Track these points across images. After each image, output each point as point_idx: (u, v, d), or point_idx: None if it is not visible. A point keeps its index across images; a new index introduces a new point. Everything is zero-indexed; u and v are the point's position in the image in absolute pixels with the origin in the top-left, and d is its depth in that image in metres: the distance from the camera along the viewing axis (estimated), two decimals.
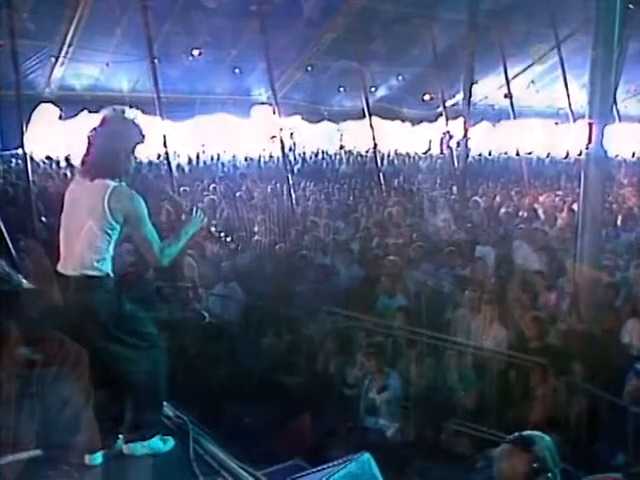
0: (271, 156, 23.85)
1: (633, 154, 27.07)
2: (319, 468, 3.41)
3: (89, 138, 3.74)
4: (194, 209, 4.04)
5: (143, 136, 3.84)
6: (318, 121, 22.71)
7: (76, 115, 16.72)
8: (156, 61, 12.68)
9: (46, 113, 16.82)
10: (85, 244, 3.62)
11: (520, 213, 13.92)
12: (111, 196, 3.58)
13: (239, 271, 10.01)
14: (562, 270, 8.89)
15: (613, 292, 7.96)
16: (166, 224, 8.68)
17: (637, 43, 14.72)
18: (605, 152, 7.53)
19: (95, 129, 3.75)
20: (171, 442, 3.90)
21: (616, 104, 8.07)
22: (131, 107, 4.13)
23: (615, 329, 7.20)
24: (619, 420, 5.84)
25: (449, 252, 9.82)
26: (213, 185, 16.52)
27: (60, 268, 3.72)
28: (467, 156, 17.30)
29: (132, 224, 3.67)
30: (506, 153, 25.89)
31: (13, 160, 17.85)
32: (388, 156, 25.31)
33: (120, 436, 3.83)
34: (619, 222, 12.48)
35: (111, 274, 3.71)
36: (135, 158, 3.83)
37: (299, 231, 11.65)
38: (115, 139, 3.71)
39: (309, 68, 19.78)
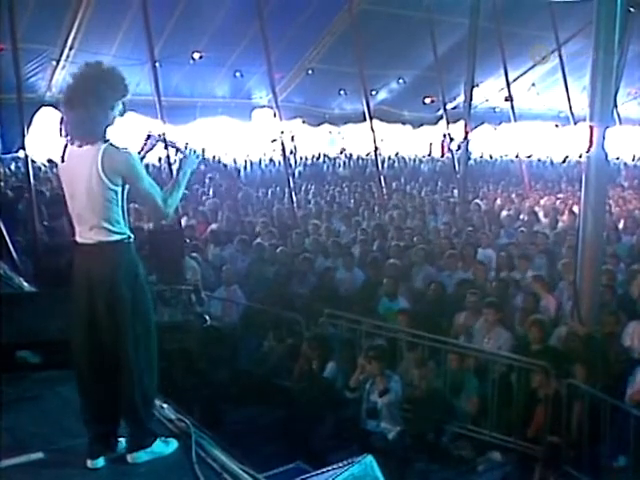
0: (272, 159, 23.88)
1: (634, 157, 27.09)
2: (321, 471, 3.41)
3: (65, 100, 3.58)
4: (189, 148, 3.92)
5: (125, 87, 3.66)
6: (319, 124, 22.73)
7: None
8: (157, 64, 12.66)
9: (47, 116, 16.83)
10: (94, 214, 3.53)
11: (521, 216, 13.93)
12: (103, 160, 3.47)
13: (240, 274, 10.02)
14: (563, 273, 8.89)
15: (612, 294, 7.98)
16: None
17: (638, 46, 14.69)
18: (606, 155, 7.53)
19: (69, 89, 3.58)
20: (174, 443, 3.87)
21: (617, 107, 8.06)
22: (132, 110, 4.05)
23: (616, 332, 7.21)
24: (621, 423, 5.84)
25: (450, 255, 9.84)
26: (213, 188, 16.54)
27: (78, 238, 3.63)
28: (468, 159, 17.31)
29: (130, 182, 3.56)
30: (507, 156, 25.88)
31: (14, 163, 17.86)
32: (389, 159, 25.33)
33: (121, 440, 3.82)
34: (620, 225, 12.48)
35: (131, 236, 3.64)
36: (120, 113, 3.65)
37: (300, 234, 11.65)
38: (91, 97, 3.50)
39: (310, 71, 19.80)
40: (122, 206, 3.60)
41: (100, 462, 3.69)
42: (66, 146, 3.66)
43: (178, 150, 3.99)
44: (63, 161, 3.72)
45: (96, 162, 3.48)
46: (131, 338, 3.59)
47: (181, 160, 3.89)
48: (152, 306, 3.80)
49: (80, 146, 3.55)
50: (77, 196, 3.59)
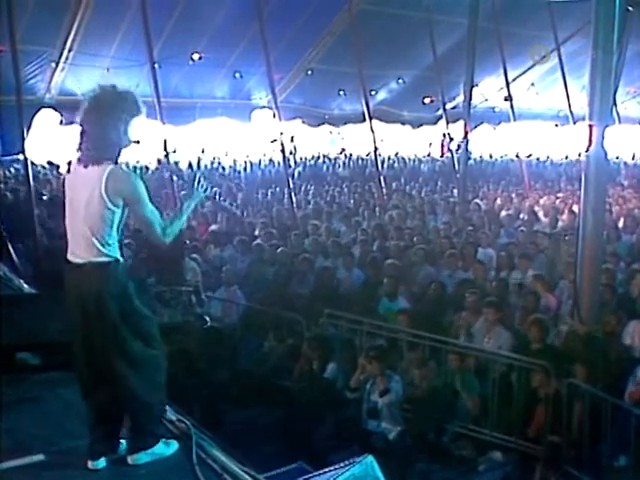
0: (271, 160, 23.89)
1: (633, 156, 27.10)
2: (322, 471, 3.41)
3: (80, 122, 3.61)
4: (195, 179, 3.95)
5: (138, 107, 3.66)
6: (318, 125, 22.73)
7: (76, 120, 16.71)
8: (156, 66, 12.68)
9: (47, 118, 16.84)
10: (89, 231, 3.55)
11: (521, 215, 13.93)
12: (107, 181, 3.48)
13: (240, 275, 10.02)
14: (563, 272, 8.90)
15: (612, 293, 7.97)
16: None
17: (637, 45, 14.71)
18: (605, 154, 7.53)
19: (84, 111, 3.61)
20: (175, 445, 3.88)
21: (616, 106, 8.06)
22: None
23: (616, 331, 7.21)
24: (621, 422, 5.84)
25: (450, 255, 9.84)
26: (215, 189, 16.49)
27: (70, 256, 3.66)
28: (467, 159, 17.31)
29: (131, 206, 3.59)
30: (506, 155, 25.90)
31: (14, 165, 17.87)
32: (389, 159, 25.33)
33: (122, 441, 3.82)
34: (620, 224, 12.48)
35: (120, 259, 3.65)
36: (134, 134, 3.66)
37: (300, 234, 11.66)
38: (104, 119, 3.55)
39: (309, 72, 19.81)
40: (118, 228, 3.63)
41: (101, 463, 3.70)
42: (73, 166, 3.68)
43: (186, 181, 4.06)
44: (69, 172, 3.73)
45: (100, 182, 3.50)
46: (125, 353, 3.62)
47: (188, 194, 3.97)
48: (149, 320, 3.82)
49: (86, 166, 3.56)
50: (75, 211, 3.61)
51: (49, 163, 20.49)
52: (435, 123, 23.36)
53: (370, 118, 16.92)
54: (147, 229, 3.70)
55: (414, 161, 26.79)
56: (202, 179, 3.98)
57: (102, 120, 3.55)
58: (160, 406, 3.87)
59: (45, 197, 13.21)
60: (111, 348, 3.61)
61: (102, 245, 3.56)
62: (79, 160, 3.61)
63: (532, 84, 23.65)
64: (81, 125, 3.62)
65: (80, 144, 3.60)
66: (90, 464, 3.70)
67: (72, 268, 3.64)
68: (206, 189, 3.99)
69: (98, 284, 3.56)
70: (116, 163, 3.58)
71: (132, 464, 3.71)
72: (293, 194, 14.58)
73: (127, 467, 3.70)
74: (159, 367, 3.79)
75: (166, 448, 3.82)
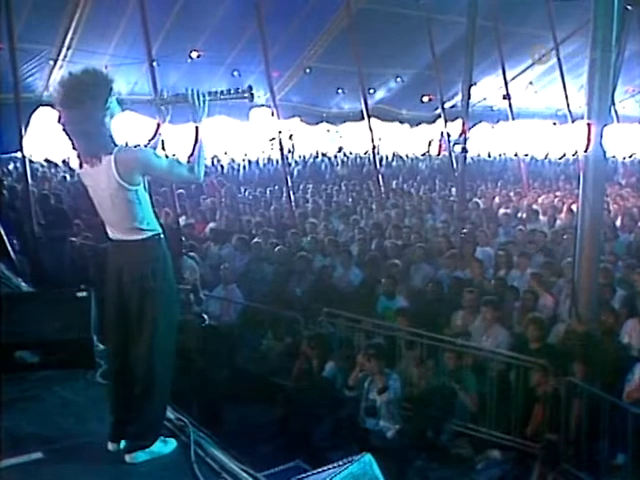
0: (270, 158, 23.86)
1: (631, 155, 27.10)
2: (320, 470, 3.41)
3: (61, 124, 3.56)
4: (189, 92, 3.84)
5: (107, 85, 3.51)
6: (317, 123, 22.73)
7: None
8: (155, 64, 12.65)
9: (45, 116, 16.81)
10: (121, 218, 3.59)
11: (519, 214, 13.93)
12: (117, 167, 3.46)
13: (238, 273, 10.02)
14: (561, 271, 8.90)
15: (610, 292, 7.98)
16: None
17: (635, 44, 14.69)
18: (604, 153, 7.53)
19: (58, 112, 3.54)
20: (173, 443, 3.87)
21: (614, 105, 8.05)
22: (130, 110, 4.02)
23: (614, 329, 7.21)
24: (619, 420, 5.85)
25: (451, 254, 9.83)
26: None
27: (111, 235, 3.69)
28: (466, 157, 17.28)
29: (152, 173, 3.64)
30: (505, 154, 25.89)
31: (12, 163, 17.85)
32: (387, 158, 25.33)
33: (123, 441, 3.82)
34: (618, 222, 12.49)
35: (160, 231, 3.68)
36: (116, 107, 3.58)
37: (298, 233, 11.65)
38: (78, 116, 3.47)
39: (307, 70, 19.80)
40: (146, 202, 3.64)
41: (121, 444, 3.76)
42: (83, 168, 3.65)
43: (178, 99, 3.90)
44: (81, 167, 3.69)
45: (111, 172, 3.48)
46: (156, 332, 3.64)
47: (192, 113, 3.86)
48: (178, 304, 3.84)
49: (92, 165, 3.55)
50: (102, 205, 3.64)
51: (47, 161, 20.48)
52: (433, 122, 23.38)
53: (368, 116, 16.89)
54: (177, 179, 3.85)
55: (412, 159, 26.79)
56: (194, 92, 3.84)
57: (77, 118, 3.48)
58: (166, 398, 3.86)
59: (43, 195, 13.15)
60: (146, 325, 3.62)
61: (140, 223, 3.59)
62: (83, 161, 3.60)
63: (531, 83, 23.64)
64: (62, 127, 3.56)
65: (72, 144, 3.59)
66: (110, 446, 3.76)
67: (115, 245, 3.68)
68: (205, 97, 3.88)
69: (142, 259, 3.61)
70: (115, 146, 3.54)
71: (130, 462, 3.71)
72: (291, 192, 14.56)
73: (125, 466, 3.69)
74: (168, 360, 3.79)
75: (164, 446, 3.82)
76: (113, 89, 3.55)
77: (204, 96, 3.86)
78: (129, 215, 3.57)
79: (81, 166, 3.67)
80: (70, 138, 3.57)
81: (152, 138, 4.05)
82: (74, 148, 3.60)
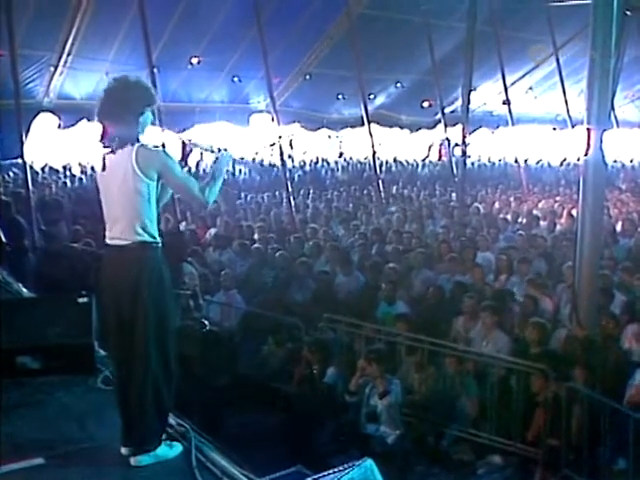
0: (270, 164, 23.87)
1: (631, 159, 27.14)
2: (321, 475, 3.40)
3: (97, 112, 3.74)
4: (218, 148, 4.04)
5: (153, 96, 3.83)
6: (317, 129, 22.71)
7: (75, 124, 16.71)
8: (155, 70, 12.68)
9: (45, 122, 16.84)
10: (127, 211, 3.66)
11: (519, 219, 13.94)
12: (137, 156, 3.61)
13: (239, 279, 10.01)
14: (562, 276, 8.90)
15: (609, 297, 7.97)
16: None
17: (635, 49, 14.72)
18: (603, 158, 7.54)
19: (100, 102, 3.75)
20: (179, 447, 3.88)
21: (614, 110, 8.05)
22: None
23: (615, 335, 7.21)
24: (620, 425, 5.84)
25: (451, 259, 9.83)
26: None
27: (109, 241, 3.76)
28: (466, 163, 17.32)
29: (165, 176, 3.71)
30: (505, 159, 25.91)
31: (13, 169, 17.87)
32: (387, 163, 25.35)
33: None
34: (618, 227, 12.49)
35: (159, 241, 3.75)
36: (151, 117, 3.82)
37: (298, 238, 11.65)
38: (121, 106, 3.70)
39: (308, 76, 19.81)
40: (153, 205, 3.72)
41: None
42: (104, 157, 3.77)
43: (207, 151, 4.10)
44: (104, 169, 3.79)
45: (130, 159, 3.62)
46: (151, 340, 3.67)
47: (215, 160, 4.01)
48: (175, 312, 3.87)
49: (114, 152, 3.69)
50: (111, 197, 3.73)
51: (50, 168, 20.49)
52: (433, 127, 23.38)
53: (369, 122, 16.92)
54: (186, 194, 3.83)
55: (412, 165, 26.81)
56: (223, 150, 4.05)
57: (116, 109, 3.69)
58: (169, 402, 3.86)
59: (43, 200, 13.16)
60: (140, 333, 3.66)
61: (142, 224, 3.66)
62: (107, 151, 3.72)
63: (530, 88, 23.68)
64: (99, 116, 3.74)
65: (102, 136, 3.73)
66: (123, 450, 3.77)
67: (111, 250, 3.75)
68: (230, 154, 4.09)
69: (137, 264, 3.66)
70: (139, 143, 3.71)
71: (134, 465, 3.72)
72: (292, 198, 14.57)
73: (127, 471, 3.69)
74: (171, 363, 3.81)
75: (169, 450, 3.83)
76: (154, 97, 3.85)
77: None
78: (134, 210, 3.65)
79: (103, 168, 3.77)
80: (103, 128, 3.73)
81: (182, 159, 4.10)
82: (101, 139, 3.73)
